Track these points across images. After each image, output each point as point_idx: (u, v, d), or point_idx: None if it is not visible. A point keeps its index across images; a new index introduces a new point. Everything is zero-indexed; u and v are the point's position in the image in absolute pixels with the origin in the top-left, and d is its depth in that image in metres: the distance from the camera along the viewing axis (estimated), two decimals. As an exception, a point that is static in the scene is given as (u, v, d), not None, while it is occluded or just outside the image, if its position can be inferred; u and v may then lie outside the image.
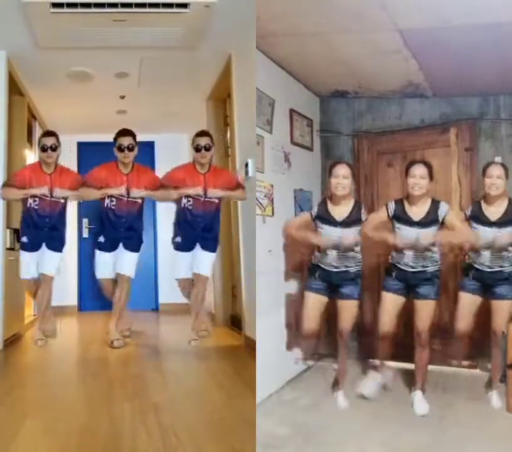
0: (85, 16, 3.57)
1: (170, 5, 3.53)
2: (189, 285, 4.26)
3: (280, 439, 2.68)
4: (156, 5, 3.51)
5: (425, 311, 3.11)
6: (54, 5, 3.45)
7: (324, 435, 2.75)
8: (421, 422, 2.89)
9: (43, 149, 4.14)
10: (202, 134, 4.25)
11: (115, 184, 4.14)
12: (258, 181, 3.40)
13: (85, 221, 6.68)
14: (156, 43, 4.11)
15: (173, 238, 4.26)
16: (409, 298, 3.18)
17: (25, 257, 4.23)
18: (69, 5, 3.46)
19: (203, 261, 4.22)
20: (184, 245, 4.21)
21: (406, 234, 3.08)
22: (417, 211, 3.09)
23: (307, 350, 3.53)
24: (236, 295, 4.88)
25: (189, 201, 4.15)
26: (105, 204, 4.16)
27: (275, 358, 3.39)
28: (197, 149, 4.17)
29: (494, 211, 3.11)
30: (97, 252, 4.29)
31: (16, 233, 4.59)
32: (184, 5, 3.54)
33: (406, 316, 3.19)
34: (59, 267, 4.26)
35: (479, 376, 3.58)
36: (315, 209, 3.28)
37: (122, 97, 5.51)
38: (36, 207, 4.15)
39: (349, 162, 3.35)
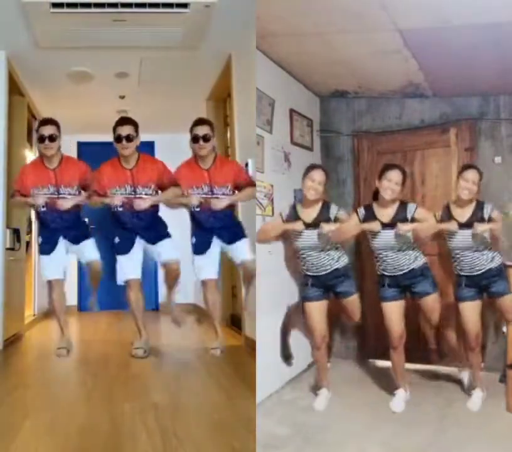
0: (85, 16, 3.57)
1: (170, 5, 3.53)
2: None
3: (280, 439, 2.68)
4: (156, 5, 3.52)
5: (431, 306, 3.14)
6: (54, 5, 3.45)
7: (324, 435, 2.75)
8: (421, 422, 2.89)
9: (41, 139, 3.71)
10: (200, 122, 3.76)
11: (118, 183, 3.70)
12: (258, 181, 3.40)
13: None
14: (156, 43, 4.11)
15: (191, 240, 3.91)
16: (408, 298, 3.19)
17: (44, 260, 3.93)
18: (69, 5, 3.46)
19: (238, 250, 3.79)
20: (198, 247, 3.84)
21: (379, 237, 3.11)
22: (386, 213, 3.12)
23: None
24: (236, 295, 4.88)
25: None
26: (114, 207, 3.74)
27: (275, 358, 3.39)
28: (194, 140, 3.70)
29: (461, 214, 3.12)
30: (118, 257, 3.86)
31: (16, 233, 4.59)
32: (184, 5, 3.55)
33: (406, 316, 3.19)
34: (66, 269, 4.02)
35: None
36: (285, 213, 3.29)
37: (122, 97, 5.51)
38: (43, 208, 3.79)
39: (325, 168, 3.31)
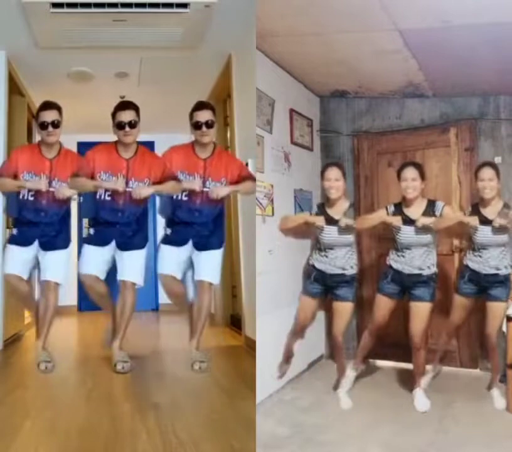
0: (85, 16, 3.57)
1: (170, 5, 3.53)
2: (176, 285, 3.54)
3: (280, 439, 2.68)
4: (156, 5, 3.52)
5: (420, 313, 3.13)
6: (54, 5, 3.45)
7: (324, 435, 2.75)
8: (421, 422, 2.90)
9: (43, 125, 3.36)
10: (201, 106, 3.48)
11: (112, 171, 3.34)
12: (258, 181, 3.40)
13: (85, 221, 6.67)
14: (156, 43, 4.11)
15: (164, 230, 3.59)
16: (404, 300, 3.21)
17: (13, 251, 3.46)
18: (69, 5, 3.46)
19: (206, 263, 3.50)
20: (174, 238, 3.51)
21: (405, 233, 3.11)
22: (414, 211, 3.14)
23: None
24: (236, 295, 4.88)
25: (185, 192, 3.46)
26: (99, 195, 3.38)
27: (275, 358, 3.38)
28: (196, 126, 3.42)
29: (490, 212, 3.12)
30: (85, 246, 3.48)
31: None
32: (184, 5, 3.55)
33: (406, 316, 3.19)
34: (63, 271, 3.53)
35: (479, 376, 3.58)
36: (314, 211, 3.34)
37: (122, 97, 5.48)
38: (31, 198, 3.41)
39: (339, 164, 3.37)
